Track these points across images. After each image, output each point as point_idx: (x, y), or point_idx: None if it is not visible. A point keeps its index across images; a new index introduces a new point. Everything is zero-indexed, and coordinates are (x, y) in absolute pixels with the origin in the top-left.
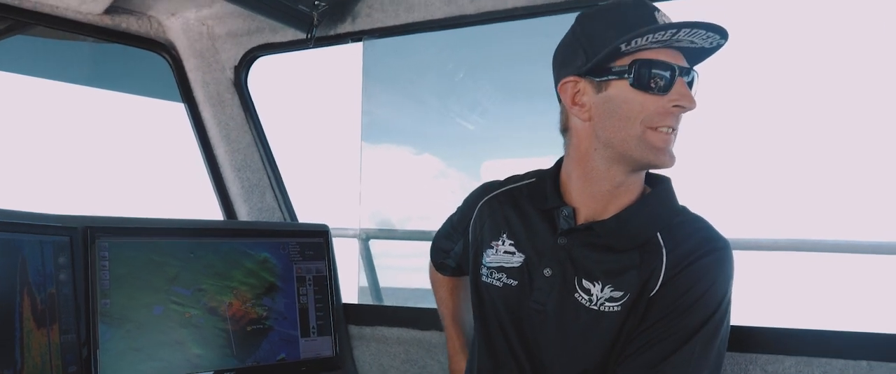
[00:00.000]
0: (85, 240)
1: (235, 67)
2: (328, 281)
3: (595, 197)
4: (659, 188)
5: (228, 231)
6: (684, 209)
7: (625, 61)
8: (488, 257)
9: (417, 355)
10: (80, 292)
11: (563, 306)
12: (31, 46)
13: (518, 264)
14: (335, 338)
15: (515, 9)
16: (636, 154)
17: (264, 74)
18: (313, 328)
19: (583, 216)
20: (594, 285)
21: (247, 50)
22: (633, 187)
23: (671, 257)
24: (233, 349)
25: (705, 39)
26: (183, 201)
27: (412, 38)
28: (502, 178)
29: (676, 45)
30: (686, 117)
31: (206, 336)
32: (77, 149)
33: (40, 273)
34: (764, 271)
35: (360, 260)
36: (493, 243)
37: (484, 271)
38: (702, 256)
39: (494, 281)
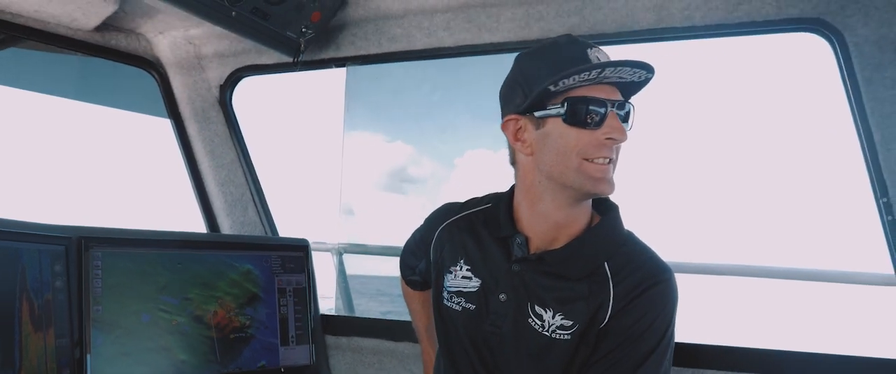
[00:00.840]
0: (79, 249)
1: (221, 86)
2: (307, 293)
3: (544, 227)
4: (607, 217)
5: (215, 244)
6: (630, 237)
7: (559, 100)
8: (448, 281)
9: (391, 365)
10: (74, 299)
11: (517, 330)
12: (25, 59)
13: (475, 289)
14: (313, 347)
15: (490, 44)
16: (576, 185)
17: (250, 92)
18: (292, 337)
19: (534, 245)
20: (546, 312)
21: (233, 70)
22: (581, 217)
23: (618, 290)
24: (217, 356)
25: (633, 75)
26: (169, 212)
27: (392, 66)
28: (462, 201)
29: (606, 81)
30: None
31: (192, 343)
32: (69, 160)
33: (38, 280)
34: (708, 293)
35: (336, 273)
36: (452, 268)
37: (445, 294)
38: (649, 287)
39: (454, 305)
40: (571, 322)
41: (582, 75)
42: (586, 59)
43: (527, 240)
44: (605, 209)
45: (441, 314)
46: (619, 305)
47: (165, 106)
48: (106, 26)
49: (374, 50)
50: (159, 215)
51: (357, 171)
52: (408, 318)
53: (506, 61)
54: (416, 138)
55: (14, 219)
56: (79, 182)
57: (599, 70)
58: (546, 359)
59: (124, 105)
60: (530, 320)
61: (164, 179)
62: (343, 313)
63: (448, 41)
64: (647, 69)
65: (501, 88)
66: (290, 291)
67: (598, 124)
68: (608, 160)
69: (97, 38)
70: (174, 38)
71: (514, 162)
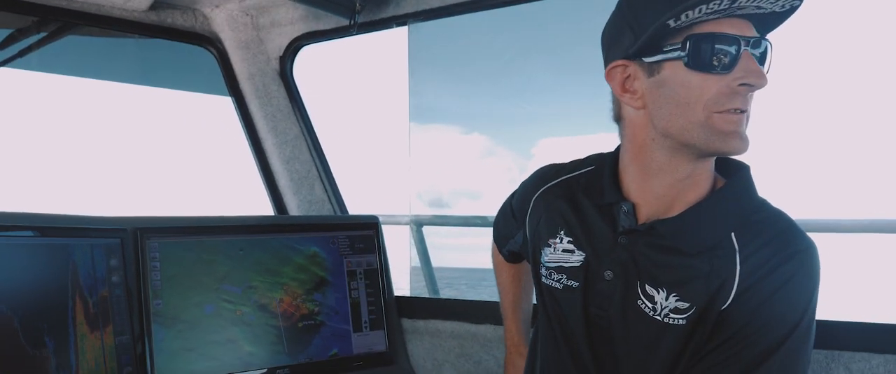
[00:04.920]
0: (135, 241)
1: (280, 58)
2: (379, 274)
3: (657, 192)
4: (735, 179)
5: (276, 227)
6: (763, 204)
7: (678, 39)
8: (546, 255)
9: (472, 349)
10: (133, 294)
11: (625, 313)
12: (82, 46)
13: (578, 264)
14: (388, 332)
15: None
16: (700, 143)
17: (309, 64)
18: (365, 322)
19: (645, 214)
20: (658, 293)
21: (291, 39)
22: (702, 180)
23: (746, 266)
24: (285, 346)
25: (775, 3)
26: (235, 196)
27: (459, 19)
28: (564, 161)
29: (739, 12)
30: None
31: (258, 334)
32: (127, 148)
33: (91, 277)
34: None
35: (411, 249)
36: (551, 241)
37: (543, 270)
38: (783, 261)
39: (554, 283)
40: (687, 304)
41: (711, 5)
42: None
43: (634, 208)
44: (732, 170)
45: (541, 291)
46: (745, 283)
47: (226, 83)
48: (160, 4)
49: (437, 3)
50: (227, 201)
51: (426, 139)
52: (488, 298)
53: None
54: (490, 103)
55: (62, 214)
56: (140, 171)
57: None
58: (657, 350)
59: (184, 86)
60: (640, 302)
61: (232, 162)
62: (423, 294)
63: None
64: None
65: (604, 31)
66: (360, 273)
67: (729, 67)
68: (741, 111)
69: (153, 18)
70: (230, 10)
71: (619, 118)
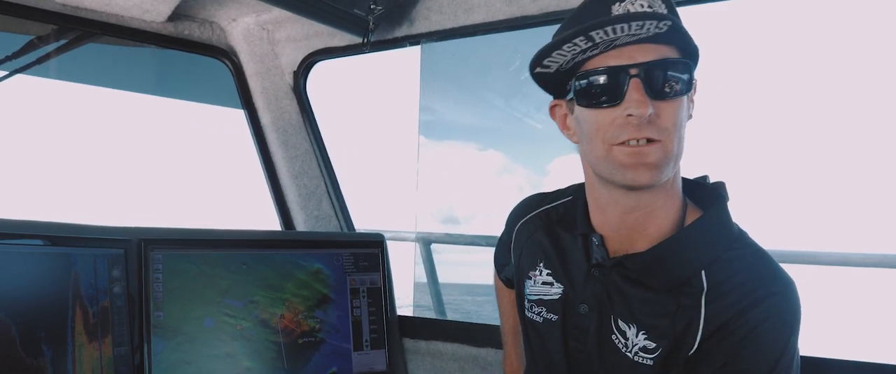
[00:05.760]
0: (139, 252)
1: (294, 72)
2: (383, 293)
3: (613, 225)
4: (709, 213)
5: (281, 242)
6: (739, 238)
7: (573, 77)
8: (528, 288)
9: (472, 372)
10: (134, 305)
11: (601, 348)
12: (98, 56)
13: (557, 297)
14: (389, 352)
15: None
16: (607, 176)
17: (322, 79)
18: (366, 341)
19: (613, 247)
20: (629, 328)
21: (306, 54)
22: (659, 212)
23: (712, 308)
24: (284, 363)
25: (640, 28)
26: (246, 208)
27: (473, 39)
28: (549, 190)
29: (620, 43)
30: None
31: (258, 349)
32: (136, 157)
33: (93, 287)
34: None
35: (417, 267)
36: (531, 273)
37: (526, 303)
38: (754, 304)
39: (535, 316)
40: (654, 345)
41: (565, 48)
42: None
43: (603, 240)
44: (708, 202)
45: (525, 324)
46: (711, 326)
47: (239, 96)
48: (178, 16)
49: (450, 24)
50: (238, 213)
51: (440, 155)
52: (490, 321)
53: None
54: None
55: (67, 222)
56: (152, 182)
57: (583, 37)
58: None
59: (198, 97)
60: (614, 337)
61: (245, 176)
62: (431, 313)
63: (532, 9)
64: (657, 18)
65: None
66: (363, 291)
67: (616, 99)
68: (645, 141)
69: (170, 29)
70: (247, 24)
71: None
